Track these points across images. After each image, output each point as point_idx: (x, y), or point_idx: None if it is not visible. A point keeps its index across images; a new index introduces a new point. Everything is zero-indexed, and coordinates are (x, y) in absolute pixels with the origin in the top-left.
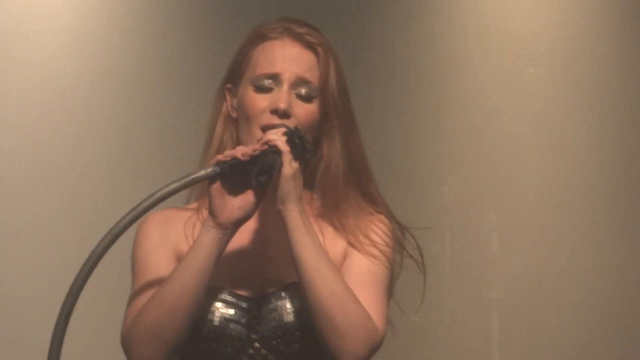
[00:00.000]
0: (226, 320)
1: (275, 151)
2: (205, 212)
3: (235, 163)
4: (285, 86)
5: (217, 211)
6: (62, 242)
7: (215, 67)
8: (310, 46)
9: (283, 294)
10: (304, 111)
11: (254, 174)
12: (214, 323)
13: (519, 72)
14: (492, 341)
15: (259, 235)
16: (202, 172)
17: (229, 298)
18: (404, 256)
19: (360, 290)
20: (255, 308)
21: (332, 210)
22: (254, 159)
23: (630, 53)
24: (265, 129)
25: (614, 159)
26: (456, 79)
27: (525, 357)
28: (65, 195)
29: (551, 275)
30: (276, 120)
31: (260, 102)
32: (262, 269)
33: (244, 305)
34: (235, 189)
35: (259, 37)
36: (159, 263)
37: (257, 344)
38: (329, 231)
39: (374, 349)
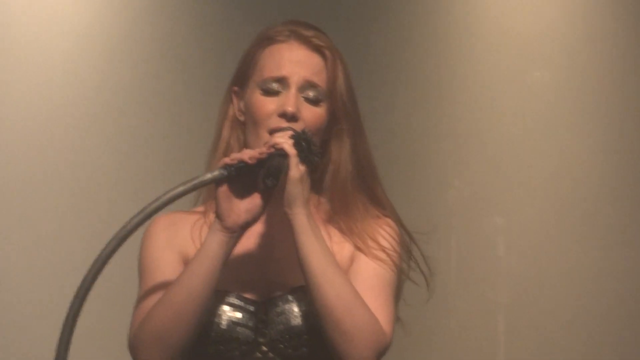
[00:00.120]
0: (233, 323)
1: (282, 154)
2: (212, 216)
3: (242, 166)
4: (293, 89)
5: (224, 214)
6: (69, 245)
7: (222, 70)
8: (317, 49)
9: (290, 298)
10: (312, 114)
11: (260, 177)
12: (221, 326)
13: (524, 74)
14: (497, 344)
15: (265, 239)
16: (209, 175)
17: (236, 301)
18: (410, 260)
19: (368, 294)
20: (263, 311)
21: (340, 214)
22: (260, 162)
23: (637, 56)
24: (273, 132)
25: (620, 161)
26: (462, 82)
27: (531, 359)
28: (73, 198)
29: (557, 278)
30: (284, 124)
31: (268, 105)
32: (269, 272)
33: (251, 308)
34: (242, 192)
35: (265, 40)
36: (166, 266)
37: (264, 348)
38: (336, 234)
39: (381, 352)
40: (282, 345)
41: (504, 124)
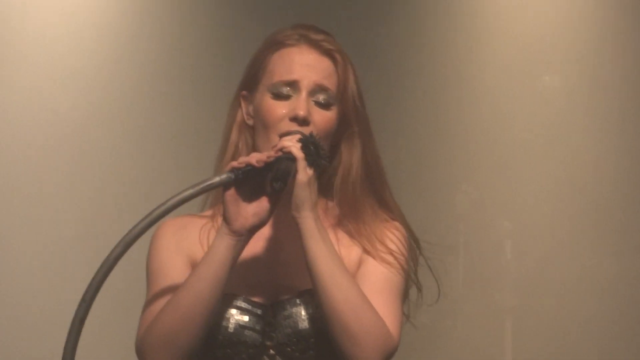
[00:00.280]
0: (241, 327)
1: (289, 158)
2: (220, 219)
3: (249, 170)
4: (304, 93)
5: (232, 218)
6: (76, 249)
7: (230, 74)
8: (327, 53)
9: (298, 301)
10: (323, 118)
11: (268, 181)
12: (229, 330)
13: (533, 79)
14: (505, 348)
15: (273, 242)
16: (217, 179)
17: (243, 305)
18: (417, 265)
19: (375, 297)
20: (270, 315)
21: (349, 217)
22: (268, 166)
23: None
24: (283, 136)
25: (631, 166)
26: (470, 87)
27: None
28: (80, 202)
29: (565, 283)
30: (295, 128)
31: (279, 109)
32: (277, 276)
33: (259, 312)
34: (249, 196)
35: (275, 44)
36: (173, 270)
37: (271, 351)
38: (344, 238)
39: (389, 356)
40: (289, 349)
41: (513, 128)
